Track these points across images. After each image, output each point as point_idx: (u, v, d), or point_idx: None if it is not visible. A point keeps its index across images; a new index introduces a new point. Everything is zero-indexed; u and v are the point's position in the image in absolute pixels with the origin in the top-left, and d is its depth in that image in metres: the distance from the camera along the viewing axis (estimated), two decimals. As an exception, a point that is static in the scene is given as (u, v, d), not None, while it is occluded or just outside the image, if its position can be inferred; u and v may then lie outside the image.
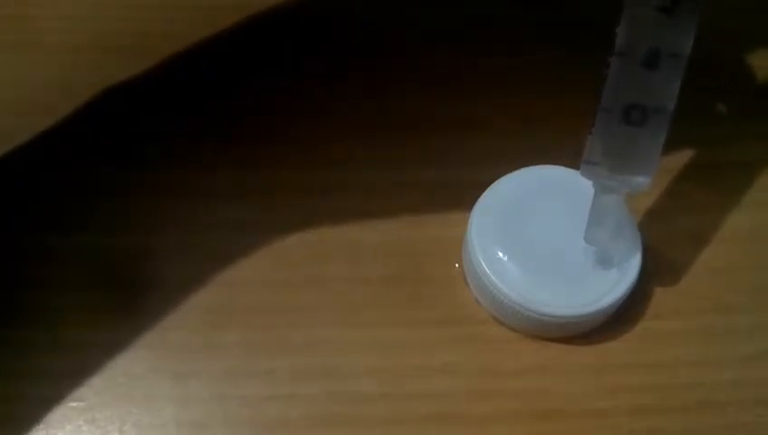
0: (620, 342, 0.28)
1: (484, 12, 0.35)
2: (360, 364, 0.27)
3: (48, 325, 0.27)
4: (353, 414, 0.26)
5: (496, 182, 0.29)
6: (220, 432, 0.26)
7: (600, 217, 0.26)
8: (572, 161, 0.27)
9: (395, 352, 0.27)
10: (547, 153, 0.29)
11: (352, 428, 0.26)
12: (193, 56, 0.33)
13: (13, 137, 0.31)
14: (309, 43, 0.35)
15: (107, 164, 0.31)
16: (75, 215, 0.30)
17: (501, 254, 0.27)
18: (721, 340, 0.28)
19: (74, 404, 0.26)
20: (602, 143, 0.24)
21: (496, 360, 0.28)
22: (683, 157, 0.31)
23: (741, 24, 0.36)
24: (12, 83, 0.33)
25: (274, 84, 0.33)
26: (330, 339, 0.28)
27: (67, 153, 0.31)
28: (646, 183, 0.24)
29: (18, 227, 0.30)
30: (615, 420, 0.27)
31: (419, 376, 0.27)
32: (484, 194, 0.29)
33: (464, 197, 0.29)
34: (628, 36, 0.23)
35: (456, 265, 0.29)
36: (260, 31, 0.35)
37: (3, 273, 0.29)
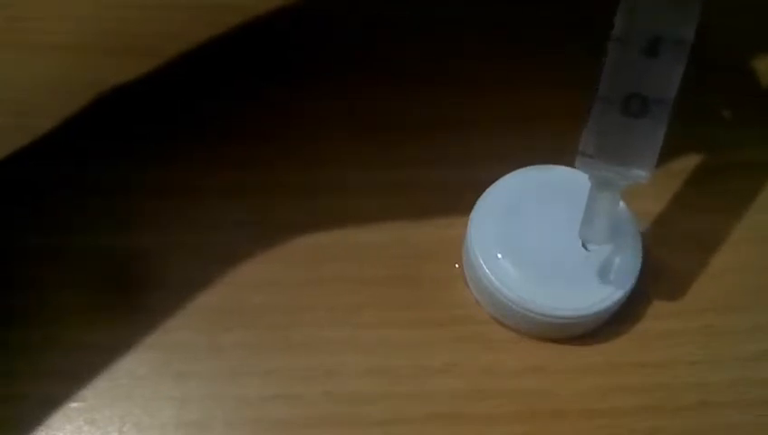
0: (620, 342, 0.28)
1: (485, 12, 0.35)
2: (360, 364, 0.27)
3: (48, 325, 0.28)
4: (353, 414, 0.26)
5: (496, 182, 0.29)
6: (220, 432, 0.26)
7: (595, 213, 0.25)
8: (573, 161, 0.27)
9: (395, 352, 0.27)
10: (547, 153, 0.29)
11: (352, 428, 0.26)
12: (193, 56, 0.33)
13: (13, 137, 0.31)
14: (309, 43, 0.35)
15: (107, 164, 0.31)
16: (75, 215, 0.30)
17: (501, 254, 0.27)
18: (721, 340, 0.28)
19: (74, 404, 0.26)
20: (599, 135, 0.23)
21: (496, 360, 0.28)
22: (683, 158, 0.31)
23: (745, 25, 0.36)
24: (12, 83, 0.33)
25: (275, 85, 0.33)
26: (330, 339, 0.28)
27: (67, 153, 0.31)
28: (645, 176, 0.24)
29: (18, 227, 0.30)
30: (615, 421, 0.27)
31: (419, 376, 0.27)
32: (484, 194, 0.29)
33: (464, 197, 0.29)
34: (627, 21, 0.22)
35: (456, 265, 0.29)
36: (260, 31, 0.35)
37: (3, 273, 0.29)
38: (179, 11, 0.35)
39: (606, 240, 0.26)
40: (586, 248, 0.27)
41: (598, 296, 0.27)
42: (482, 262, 0.27)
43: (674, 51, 0.22)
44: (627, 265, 0.27)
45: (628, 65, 0.22)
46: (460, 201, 0.29)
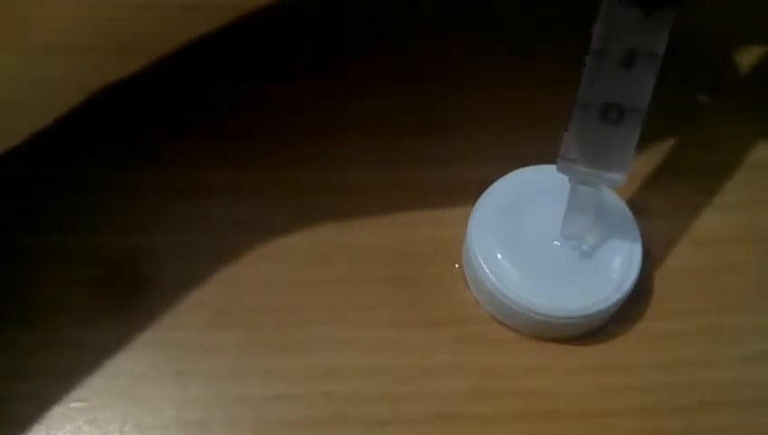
0: (620, 342, 0.28)
1: (485, 11, 0.35)
2: (360, 364, 0.27)
3: (48, 325, 0.27)
4: (353, 414, 0.26)
5: (496, 182, 0.29)
6: (220, 432, 0.26)
7: (576, 209, 0.26)
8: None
9: (395, 352, 0.27)
10: (547, 153, 0.29)
11: (352, 428, 0.26)
12: (192, 55, 0.33)
13: (12, 137, 0.31)
14: (308, 42, 0.35)
15: (106, 164, 0.31)
16: (75, 215, 0.30)
17: (500, 254, 0.27)
18: (721, 340, 0.28)
19: (75, 404, 0.26)
20: (579, 140, 0.25)
21: (496, 360, 0.28)
22: (683, 157, 0.31)
23: (736, 24, 0.36)
24: (11, 83, 0.33)
25: (274, 84, 0.33)
26: (330, 339, 0.28)
27: (66, 153, 0.31)
28: (621, 179, 0.25)
29: (18, 227, 0.30)
30: (615, 421, 0.27)
31: (419, 376, 0.27)
32: (483, 194, 0.29)
33: (464, 197, 0.29)
34: (604, 36, 0.23)
35: (456, 265, 0.29)
36: (259, 30, 0.35)
37: (3, 273, 0.29)
38: (178, 10, 0.35)
39: (581, 236, 0.27)
40: (587, 247, 0.27)
41: (598, 296, 0.27)
42: (482, 262, 0.27)
43: (648, 63, 0.23)
44: (627, 265, 0.27)
45: (606, 77, 0.23)
46: (460, 201, 0.29)
